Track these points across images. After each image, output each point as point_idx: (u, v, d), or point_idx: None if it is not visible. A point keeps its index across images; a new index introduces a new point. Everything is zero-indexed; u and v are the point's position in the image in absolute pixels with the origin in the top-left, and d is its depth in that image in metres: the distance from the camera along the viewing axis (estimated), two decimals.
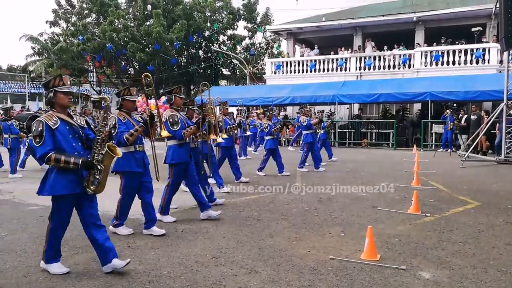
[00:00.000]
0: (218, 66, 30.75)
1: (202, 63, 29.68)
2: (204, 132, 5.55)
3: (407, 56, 17.83)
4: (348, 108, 18.75)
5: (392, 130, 15.85)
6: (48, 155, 3.07)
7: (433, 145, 15.16)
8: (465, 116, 14.09)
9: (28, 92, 32.48)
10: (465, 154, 10.79)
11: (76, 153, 3.21)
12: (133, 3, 29.10)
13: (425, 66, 17.27)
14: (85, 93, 34.25)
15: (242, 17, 29.49)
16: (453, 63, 16.75)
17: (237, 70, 30.29)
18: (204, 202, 5.08)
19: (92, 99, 32.05)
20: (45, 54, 30.50)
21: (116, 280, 3.25)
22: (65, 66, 28.44)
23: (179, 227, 4.70)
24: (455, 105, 14.79)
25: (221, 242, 4.17)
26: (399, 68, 17.98)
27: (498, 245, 4.09)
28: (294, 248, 3.99)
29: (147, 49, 26.45)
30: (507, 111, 10.75)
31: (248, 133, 12.59)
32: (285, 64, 20.38)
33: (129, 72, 30.25)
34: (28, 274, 3.36)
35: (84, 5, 29.22)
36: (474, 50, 16.46)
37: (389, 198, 6.34)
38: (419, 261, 3.63)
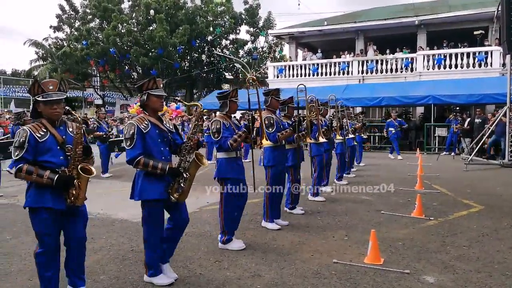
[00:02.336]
0: (221, 70, 30.86)
1: (205, 67, 29.78)
2: (303, 134, 5.23)
3: (410, 60, 17.82)
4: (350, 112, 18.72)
5: None
6: (137, 159, 3.05)
7: (436, 149, 15.12)
8: (468, 119, 14.06)
9: None
10: (468, 158, 10.76)
11: (163, 158, 3.15)
12: (136, 8, 29.29)
13: (428, 69, 17.25)
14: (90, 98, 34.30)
15: (244, 21, 29.60)
16: (456, 66, 16.73)
17: (240, 74, 30.35)
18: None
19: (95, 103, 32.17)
20: (49, 59, 30.70)
21: (120, 284, 3.26)
22: (69, 71, 28.63)
23: None
24: (457, 108, 14.77)
25: None
26: (401, 72, 17.97)
27: (503, 249, 4.07)
28: (298, 252, 3.99)
29: (150, 54, 26.58)
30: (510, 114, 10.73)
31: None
32: (287, 68, 20.39)
33: (132, 77, 30.41)
34: (33, 277, 3.35)
35: (88, 10, 29.44)
36: (477, 54, 16.43)
37: (392, 201, 6.33)
38: (423, 265, 3.62)
